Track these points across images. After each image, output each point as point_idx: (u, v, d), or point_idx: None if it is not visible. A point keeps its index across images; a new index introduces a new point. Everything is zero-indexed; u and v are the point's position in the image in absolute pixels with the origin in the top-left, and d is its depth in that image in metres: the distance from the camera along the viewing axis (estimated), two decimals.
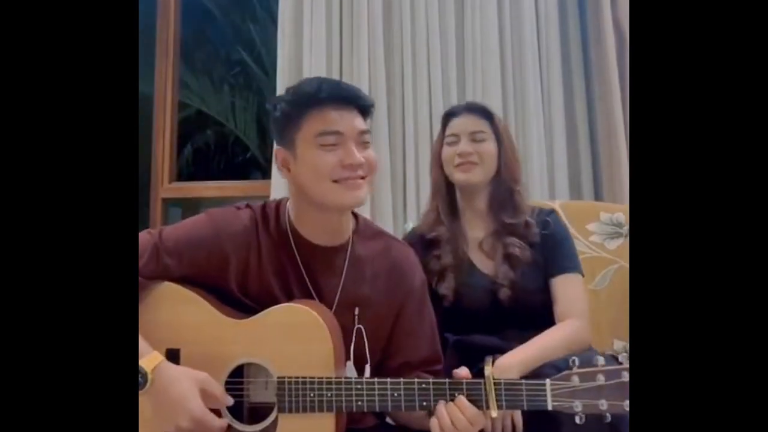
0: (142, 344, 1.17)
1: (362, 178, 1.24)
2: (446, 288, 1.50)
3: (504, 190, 1.56)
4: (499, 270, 1.51)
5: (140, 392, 1.12)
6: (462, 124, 1.58)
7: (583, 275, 1.54)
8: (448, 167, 1.58)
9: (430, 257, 1.54)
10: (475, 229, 1.59)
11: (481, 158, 1.54)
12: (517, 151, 1.63)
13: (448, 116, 1.62)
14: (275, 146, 1.32)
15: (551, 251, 1.52)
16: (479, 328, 1.49)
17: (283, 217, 1.33)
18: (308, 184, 1.25)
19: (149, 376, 1.13)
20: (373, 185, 1.32)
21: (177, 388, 1.14)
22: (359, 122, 1.26)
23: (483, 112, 1.58)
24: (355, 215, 1.40)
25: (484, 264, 1.55)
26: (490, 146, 1.55)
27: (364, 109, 1.28)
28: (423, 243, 1.57)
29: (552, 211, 1.60)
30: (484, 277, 1.53)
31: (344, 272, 1.32)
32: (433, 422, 1.15)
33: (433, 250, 1.55)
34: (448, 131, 1.60)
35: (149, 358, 1.15)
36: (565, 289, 1.49)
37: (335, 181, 1.23)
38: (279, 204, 1.36)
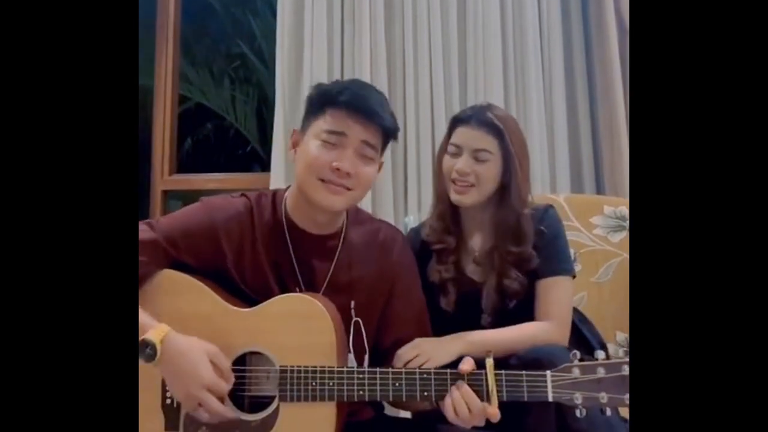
0: (147, 320, 1.18)
1: (347, 188, 1.26)
2: (447, 303, 1.49)
3: (510, 215, 1.47)
4: (488, 299, 1.49)
5: (152, 364, 1.14)
6: (468, 136, 1.47)
7: (574, 276, 1.51)
8: (447, 179, 1.50)
9: (432, 269, 1.51)
10: (474, 239, 1.55)
11: (479, 179, 1.46)
12: (528, 170, 1.53)
13: (456, 122, 1.52)
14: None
15: (543, 251, 1.47)
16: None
17: (279, 205, 1.35)
18: (300, 171, 1.29)
19: (158, 347, 1.14)
20: (358, 199, 1.33)
21: (187, 358, 1.16)
22: (368, 134, 1.27)
23: (493, 129, 1.46)
24: None
25: (479, 276, 1.53)
26: (491, 167, 1.46)
27: (385, 129, 1.30)
28: (426, 251, 1.52)
29: (548, 208, 1.53)
30: (478, 287, 1.52)
31: (336, 257, 1.35)
32: (447, 403, 1.16)
33: (436, 263, 1.51)
34: (453, 139, 1.50)
35: (156, 330, 1.16)
36: (549, 292, 1.45)
37: (320, 180, 1.25)
38: (276, 193, 1.38)
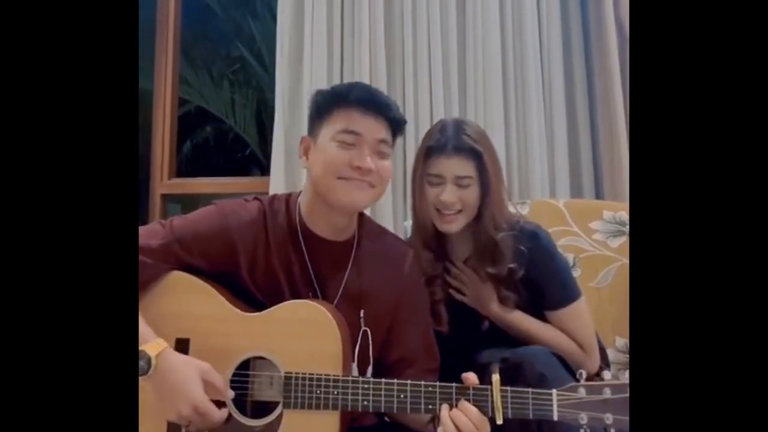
0: (147, 331, 1.18)
1: (369, 183, 1.26)
2: (439, 323, 1.48)
3: (486, 239, 1.47)
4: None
5: (144, 377, 1.13)
6: (448, 165, 1.44)
7: (582, 295, 1.50)
8: (431, 209, 1.48)
9: None
10: (458, 253, 1.55)
11: (465, 205, 1.45)
12: (504, 190, 1.52)
13: (431, 151, 1.47)
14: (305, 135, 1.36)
15: (544, 282, 1.47)
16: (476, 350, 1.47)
17: (293, 210, 1.35)
18: (317, 175, 1.28)
19: (153, 362, 1.14)
20: (380, 195, 1.32)
21: (179, 376, 1.15)
22: (382, 131, 1.28)
23: (472, 152, 1.44)
24: (360, 213, 1.41)
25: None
26: (474, 190, 1.45)
27: (394, 123, 1.31)
28: None
29: (537, 232, 1.50)
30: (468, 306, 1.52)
31: (348, 267, 1.34)
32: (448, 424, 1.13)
33: (427, 287, 1.49)
34: (432, 169, 1.46)
35: (154, 344, 1.16)
36: (566, 323, 1.46)
37: (341, 178, 1.25)
38: (289, 197, 1.38)
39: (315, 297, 1.31)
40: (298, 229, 1.33)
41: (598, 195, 2.33)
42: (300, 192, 1.38)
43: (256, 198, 1.36)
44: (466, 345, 1.47)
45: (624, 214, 1.95)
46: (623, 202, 2.10)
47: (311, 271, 1.32)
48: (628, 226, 1.93)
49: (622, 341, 1.86)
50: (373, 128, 1.27)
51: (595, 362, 1.44)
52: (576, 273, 1.89)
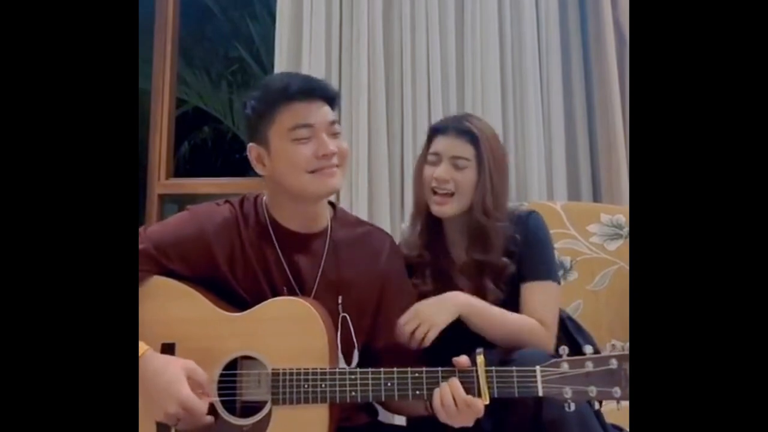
0: None
1: (336, 166, 1.29)
2: None
3: (475, 224, 1.46)
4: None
5: None
6: (446, 144, 1.48)
7: (558, 283, 1.49)
8: (427, 190, 1.50)
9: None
10: (456, 249, 1.54)
11: (458, 187, 1.45)
12: (505, 185, 1.52)
13: (434, 132, 1.53)
14: (248, 143, 1.35)
15: (525, 256, 1.46)
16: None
17: (261, 208, 1.37)
18: (285, 177, 1.29)
19: None
20: (345, 173, 1.36)
21: (164, 376, 1.16)
22: (328, 113, 1.31)
23: (470, 136, 1.46)
24: (333, 204, 1.44)
25: (467, 286, 1.50)
26: (469, 175, 1.46)
27: (332, 100, 1.33)
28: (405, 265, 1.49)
29: (531, 213, 1.52)
30: None
31: (323, 257, 1.35)
32: (435, 396, 1.16)
33: (414, 276, 1.49)
34: (431, 148, 1.51)
35: None
36: (534, 295, 1.43)
37: (311, 172, 1.27)
38: (257, 197, 1.40)
39: (291, 291, 1.32)
40: (269, 226, 1.35)
41: (596, 198, 2.33)
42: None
43: (226, 201, 1.39)
44: (461, 344, 1.46)
45: (621, 217, 1.96)
46: (621, 205, 2.11)
47: (285, 266, 1.33)
48: (625, 229, 1.93)
49: (619, 344, 1.86)
50: (321, 114, 1.29)
51: (551, 342, 1.40)
52: (573, 276, 1.90)
